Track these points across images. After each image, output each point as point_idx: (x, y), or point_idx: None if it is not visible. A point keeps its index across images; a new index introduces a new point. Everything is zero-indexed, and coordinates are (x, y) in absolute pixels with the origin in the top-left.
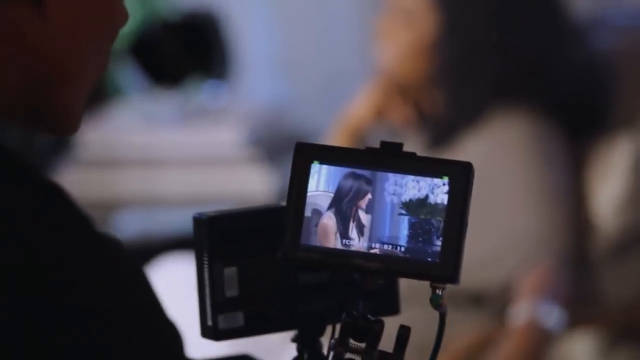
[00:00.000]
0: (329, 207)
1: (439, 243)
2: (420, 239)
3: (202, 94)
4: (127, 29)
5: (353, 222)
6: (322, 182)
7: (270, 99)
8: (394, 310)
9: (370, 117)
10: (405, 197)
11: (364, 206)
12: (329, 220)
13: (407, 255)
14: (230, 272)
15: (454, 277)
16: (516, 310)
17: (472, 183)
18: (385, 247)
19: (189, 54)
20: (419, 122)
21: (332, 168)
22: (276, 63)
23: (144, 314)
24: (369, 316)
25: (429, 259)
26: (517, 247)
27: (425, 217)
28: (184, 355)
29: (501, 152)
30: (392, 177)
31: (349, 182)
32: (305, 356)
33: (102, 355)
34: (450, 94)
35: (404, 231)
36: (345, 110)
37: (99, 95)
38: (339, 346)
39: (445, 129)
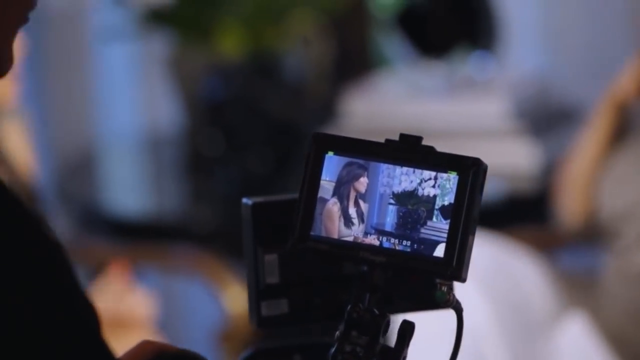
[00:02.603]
0: (332, 195)
1: (429, 233)
2: (410, 226)
3: (468, 64)
4: None
5: (354, 210)
6: (329, 171)
7: (536, 70)
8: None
9: (637, 91)
10: (397, 189)
11: (362, 195)
12: (334, 206)
13: (414, 251)
14: (271, 258)
15: (457, 275)
16: None
17: (482, 179)
18: (392, 240)
19: (456, 24)
20: None
21: (337, 157)
22: (542, 33)
23: (60, 292)
24: (374, 310)
25: (434, 255)
26: None
27: (412, 207)
28: (99, 335)
29: None
30: (385, 167)
31: (348, 171)
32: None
33: (13, 331)
34: None
35: (393, 220)
36: (611, 83)
37: (365, 65)
38: (343, 339)
39: None
